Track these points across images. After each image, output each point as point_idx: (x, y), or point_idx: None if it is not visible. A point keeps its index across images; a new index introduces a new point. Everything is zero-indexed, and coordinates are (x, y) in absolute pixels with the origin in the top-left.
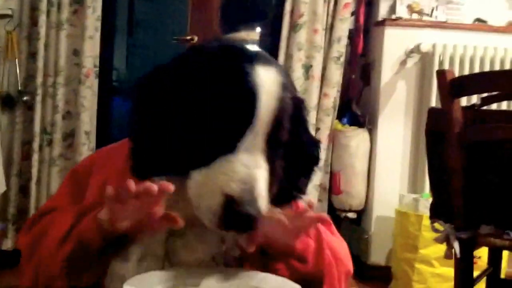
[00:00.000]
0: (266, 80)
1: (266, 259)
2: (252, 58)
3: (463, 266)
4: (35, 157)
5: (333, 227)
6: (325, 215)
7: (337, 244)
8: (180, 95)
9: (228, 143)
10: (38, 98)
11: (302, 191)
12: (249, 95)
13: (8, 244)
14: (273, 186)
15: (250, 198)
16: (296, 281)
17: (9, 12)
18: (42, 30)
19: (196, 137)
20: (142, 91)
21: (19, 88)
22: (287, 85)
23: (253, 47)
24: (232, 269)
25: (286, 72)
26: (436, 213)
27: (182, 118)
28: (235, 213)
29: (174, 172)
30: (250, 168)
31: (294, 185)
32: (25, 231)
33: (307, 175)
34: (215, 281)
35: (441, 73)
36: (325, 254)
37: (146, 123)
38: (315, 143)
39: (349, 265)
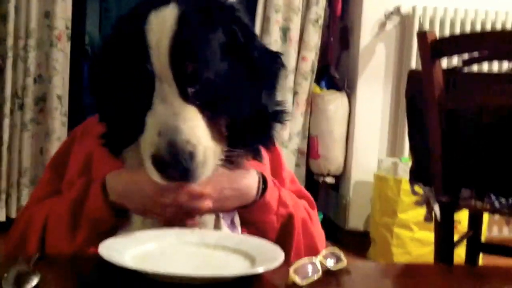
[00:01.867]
0: (155, 25)
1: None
2: (149, 6)
3: (443, 230)
4: (6, 121)
5: (316, 212)
6: (311, 197)
7: (315, 230)
8: (108, 67)
9: (145, 101)
10: (9, 62)
11: (267, 106)
12: (140, 48)
13: None
14: (220, 125)
15: (172, 149)
16: None
17: None
18: None
19: (125, 106)
20: (91, 69)
21: None
22: (198, 17)
23: None
24: (211, 231)
25: (209, 5)
26: (416, 176)
27: (114, 91)
28: (165, 168)
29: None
30: (166, 116)
31: (259, 103)
32: (9, 235)
33: (269, 88)
34: (191, 241)
35: (422, 35)
36: (294, 234)
37: (97, 101)
38: (271, 55)
39: (320, 248)
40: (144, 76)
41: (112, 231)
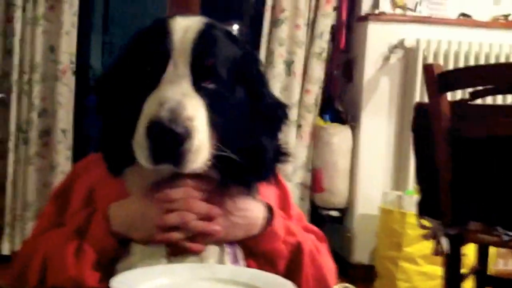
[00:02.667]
0: (181, 22)
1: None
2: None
3: (451, 263)
4: (11, 156)
5: (326, 245)
6: (321, 232)
7: (325, 262)
8: (122, 72)
9: (152, 82)
10: (14, 96)
11: (266, 149)
12: (163, 35)
13: None
14: (215, 129)
15: (173, 116)
16: None
17: None
18: (18, 26)
19: (131, 95)
20: (98, 90)
21: None
22: (222, 33)
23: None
24: (223, 266)
25: (230, 32)
26: (423, 209)
27: (125, 85)
28: (160, 132)
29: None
30: (173, 93)
31: (258, 142)
32: (11, 268)
33: (271, 134)
34: (204, 276)
35: (428, 67)
36: (303, 261)
37: (104, 119)
38: (279, 103)
39: (331, 282)
40: (160, 56)
41: (111, 263)
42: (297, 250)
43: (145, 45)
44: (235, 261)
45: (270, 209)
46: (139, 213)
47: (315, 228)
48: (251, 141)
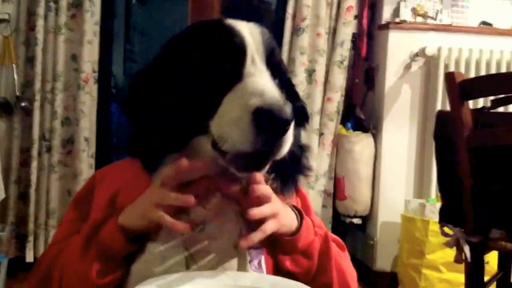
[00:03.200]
0: (241, 23)
1: (275, 252)
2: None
3: (473, 271)
4: (34, 164)
5: (347, 253)
6: (341, 241)
7: (346, 266)
8: (173, 67)
9: (232, 75)
10: (37, 104)
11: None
12: (236, 36)
13: (9, 253)
14: None
15: (279, 105)
16: (304, 276)
17: (6, 16)
18: (40, 35)
19: (201, 88)
20: (137, 87)
21: (17, 94)
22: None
23: None
24: (245, 273)
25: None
26: (445, 217)
27: (183, 83)
28: (271, 121)
29: (186, 140)
30: (265, 83)
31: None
32: (34, 271)
33: (298, 133)
34: (227, 284)
35: (450, 75)
36: (331, 251)
37: (148, 110)
38: (304, 106)
39: (353, 286)
40: (237, 55)
41: (125, 265)
42: (325, 242)
43: (215, 42)
44: (260, 270)
45: (294, 207)
46: (137, 202)
47: (334, 236)
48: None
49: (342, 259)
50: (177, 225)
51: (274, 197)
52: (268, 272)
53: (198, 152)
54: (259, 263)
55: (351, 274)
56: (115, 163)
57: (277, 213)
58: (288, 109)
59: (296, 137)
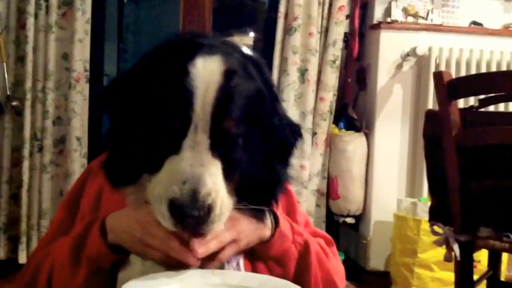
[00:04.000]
0: (204, 73)
1: (251, 259)
2: (196, 51)
3: (463, 269)
4: (26, 163)
5: (334, 248)
6: (329, 236)
7: (332, 265)
8: (129, 100)
9: (171, 144)
10: (28, 103)
11: (279, 178)
12: (185, 92)
13: (1, 254)
14: (233, 181)
15: (192, 199)
16: None
17: None
18: (30, 34)
19: (143, 141)
20: (104, 102)
21: (8, 93)
22: (239, 73)
23: (210, 39)
24: (233, 272)
25: (245, 60)
26: (435, 216)
27: (133, 124)
28: (182, 215)
29: (134, 178)
30: (193, 166)
31: (271, 173)
32: (21, 274)
33: (283, 161)
34: (214, 283)
35: (438, 75)
36: (311, 260)
37: (110, 133)
38: (291, 127)
39: (340, 284)
40: (181, 120)
41: (112, 272)
42: (304, 250)
43: (169, 95)
44: (237, 270)
45: (273, 213)
46: (133, 224)
47: (322, 232)
48: (265, 171)
49: (328, 257)
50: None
51: (231, 223)
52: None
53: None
54: (238, 264)
55: (338, 271)
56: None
57: (235, 239)
58: (203, 202)
59: (271, 158)
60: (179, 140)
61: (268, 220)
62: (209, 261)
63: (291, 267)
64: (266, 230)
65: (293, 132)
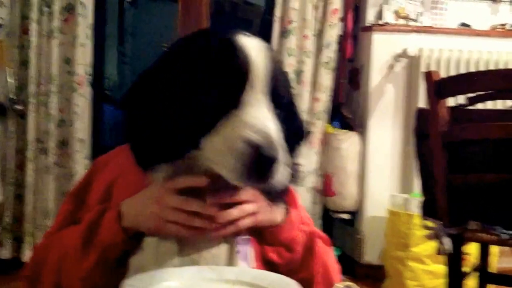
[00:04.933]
0: (251, 45)
1: (262, 245)
2: (236, 32)
3: (453, 262)
4: (30, 165)
5: (331, 248)
6: (327, 236)
7: (330, 262)
8: (175, 76)
9: (230, 101)
10: (31, 107)
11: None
12: (241, 57)
13: (5, 253)
14: None
15: (269, 143)
16: (285, 267)
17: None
18: (33, 39)
19: (198, 106)
20: (139, 87)
21: (11, 97)
22: (275, 54)
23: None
24: (228, 267)
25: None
26: (426, 211)
27: (181, 96)
28: (259, 158)
29: (180, 154)
30: (259, 118)
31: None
32: (28, 262)
33: (295, 151)
34: (211, 278)
35: (427, 74)
36: (315, 248)
37: (145, 114)
38: (303, 123)
39: (336, 281)
40: (239, 78)
41: (121, 260)
42: (310, 238)
43: (219, 60)
44: (245, 259)
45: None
46: (146, 201)
47: (321, 233)
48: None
49: (327, 255)
50: (199, 232)
51: (253, 197)
52: (255, 262)
53: (191, 165)
54: (246, 254)
55: (335, 269)
56: (118, 149)
57: (254, 212)
58: (278, 147)
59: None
60: (238, 97)
61: (280, 208)
62: (227, 226)
63: (298, 252)
64: (277, 214)
65: (304, 127)
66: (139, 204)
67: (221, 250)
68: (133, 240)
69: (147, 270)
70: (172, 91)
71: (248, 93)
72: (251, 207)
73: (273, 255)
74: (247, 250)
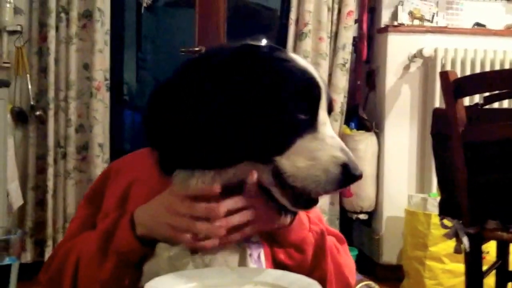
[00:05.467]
0: (309, 66)
1: (272, 246)
2: (283, 51)
3: (472, 260)
4: (50, 170)
5: (346, 246)
6: (340, 234)
7: (343, 260)
8: (233, 89)
9: (307, 121)
10: (51, 113)
11: None
12: (311, 79)
13: (27, 257)
14: None
15: (353, 161)
16: (297, 268)
17: (18, 28)
18: (52, 45)
19: (273, 124)
20: (172, 91)
21: (31, 103)
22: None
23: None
24: (248, 268)
25: None
26: (444, 210)
27: (244, 111)
28: (351, 176)
29: (230, 164)
30: (336, 137)
31: None
32: (46, 266)
33: None
34: (232, 279)
35: (444, 75)
36: (327, 246)
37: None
38: None
39: (350, 279)
40: (315, 101)
41: (139, 264)
42: (320, 238)
43: (298, 87)
44: (259, 263)
45: None
46: (158, 208)
47: (334, 231)
48: None
49: (340, 253)
50: (207, 245)
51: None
52: (267, 264)
53: (239, 175)
54: (259, 256)
55: (349, 266)
56: (133, 154)
57: (253, 220)
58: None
59: None
60: (314, 117)
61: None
62: (233, 232)
63: (309, 253)
64: (288, 216)
65: None
66: (151, 212)
67: (234, 253)
68: (147, 246)
69: (160, 275)
70: (232, 103)
71: (321, 114)
72: (251, 214)
73: (284, 257)
74: (259, 252)
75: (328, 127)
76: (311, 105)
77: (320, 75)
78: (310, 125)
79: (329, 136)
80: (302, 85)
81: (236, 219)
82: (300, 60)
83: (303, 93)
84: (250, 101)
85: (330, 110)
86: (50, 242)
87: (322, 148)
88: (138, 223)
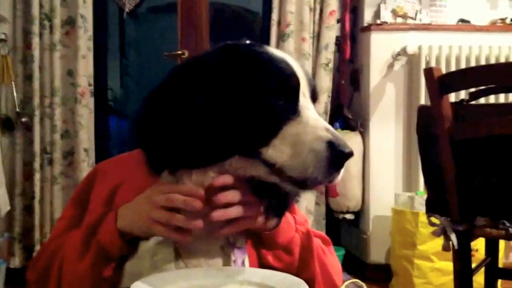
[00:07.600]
0: (291, 58)
1: (259, 249)
2: (262, 46)
3: (461, 258)
4: (37, 176)
5: (332, 247)
6: (326, 236)
7: (329, 260)
8: (217, 86)
9: (290, 109)
10: (36, 119)
11: None
12: (289, 69)
13: (16, 262)
14: None
15: (340, 139)
16: (286, 270)
17: (3, 36)
18: (36, 53)
19: (257, 115)
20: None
21: (17, 110)
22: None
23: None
24: (235, 268)
25: None
26: (432, 208)
27: (229, 106)
28: (340, 153)
29: (218, 160)
30: (320, 120)
31: None
32: (33, 264)
33: None
34: (220, 279)
35: (429, 71)
36: (313, 247)
37: (180, 119)
38: None
39: (337, 280)
40: (294, 88)
41: (120, 263)
42: (307, 238)
43: (266, 73)
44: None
45: None
46: (140, 201)
47: (319, 232)
48: None
49: (325, 254)
50: (182, 238)
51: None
52: None
53: (230, 170)
54: (243, 263)
55: (335, 268)
56: (118, 157)
57: (246, 216)
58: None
59: None
60: (295, 104)
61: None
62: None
63: (296, 254)
64: (272, 220)
65: None
66: (133, 206)
67: (217, 258)
68: (130, 245)
69: (142, 276)
70: (216, 100)
71: (302, 99)
72: (241, 210)
73: (272, 260)
74: (243, 259)
75: (312, 110)
76: (290, 91)
77: (300, 64)
78: (292, 111)
79: (313, 118)
80: (279, 73)
81: (234, 211)
82: (277, 52)
83: (282, 81)
84: (232, 94)
85: (314, 97)
86: (38, 247)
87: (306, 131)
88: (119, 215)
